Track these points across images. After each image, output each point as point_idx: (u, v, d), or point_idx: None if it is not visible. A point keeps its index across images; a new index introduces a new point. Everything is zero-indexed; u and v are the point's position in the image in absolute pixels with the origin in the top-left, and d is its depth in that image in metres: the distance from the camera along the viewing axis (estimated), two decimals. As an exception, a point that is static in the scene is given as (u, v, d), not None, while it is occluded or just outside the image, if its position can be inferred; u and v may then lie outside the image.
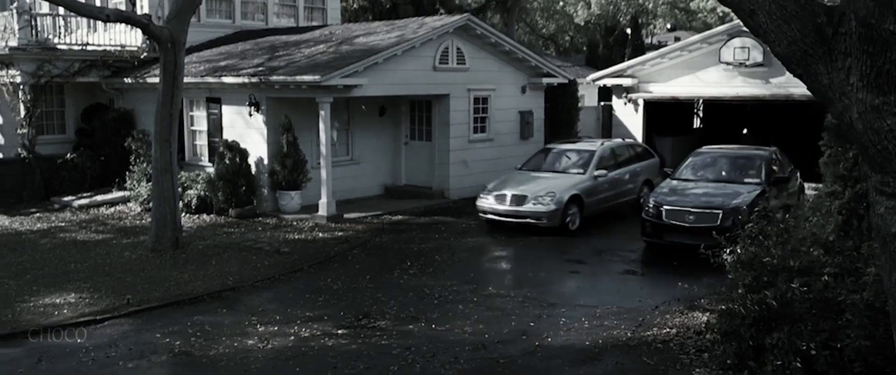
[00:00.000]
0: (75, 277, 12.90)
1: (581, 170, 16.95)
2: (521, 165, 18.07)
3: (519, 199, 16.04)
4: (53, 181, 19.93)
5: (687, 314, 10.45)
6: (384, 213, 17.94)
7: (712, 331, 8.89)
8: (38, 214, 18.30)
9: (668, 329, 9.92)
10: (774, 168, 15.30)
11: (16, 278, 12.92)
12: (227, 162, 17.60)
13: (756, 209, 12.39)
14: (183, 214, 17.24)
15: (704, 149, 16.69)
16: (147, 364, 9.34)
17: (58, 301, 11.64)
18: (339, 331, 10.29)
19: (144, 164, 18.58)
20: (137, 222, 17.35)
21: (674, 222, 13.85)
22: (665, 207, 14.07)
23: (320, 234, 15.84)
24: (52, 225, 17.15)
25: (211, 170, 18.22)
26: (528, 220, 15.87)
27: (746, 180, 14.90)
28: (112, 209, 18.74)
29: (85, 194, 19.70)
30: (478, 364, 9.10)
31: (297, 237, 15.64)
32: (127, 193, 19.28)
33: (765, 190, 14.39)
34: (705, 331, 9.23)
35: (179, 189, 17.06)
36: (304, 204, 17.93)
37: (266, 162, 17.91)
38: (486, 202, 16.53)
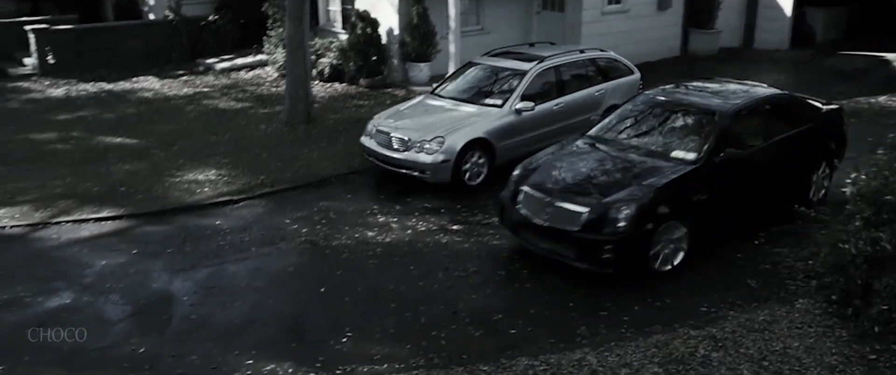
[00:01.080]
0: (216, 151, 13.85)
1: (499, 102, 12.65)
2: (436, 87, 13.91)
3: (403, 143, 12.03)
4: (197, 43, 20.94)
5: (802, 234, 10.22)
6: (511, 88, 17.96)
7: (823, 263, 8.78)
8: (184, 77, 19.42)
9: (779, 248, 9.84)
10: (734, 136, 9.86)
11: (165, 149, 14.02)
12: (359, 31, 17.95)
13: (662, 208, 8.93)
14: (316, 82, 17.96)
15: (655, 91, 11.32)
16: (276, 251, 10.17)
17: (200, 177, 12.63)
18: (454, 227, 10.79)
19: (280, 29, 19.14)
20: (273, 89, 18.15)
21: (528, 215, 9.43)
22: (525, 188, 9.61)
23: (446, 111, 16.14)
24: (197, 90, 18.21)
25: (344, 37, 18.63)
26: (413, 173, 12.02)
27: (677, 152, 9.66)
28: (251, 73, 19.63)
29: (226, 57, 20.67)
30: (587, 275, 9.31)
31: (422, 113, 16.01)
32: (265, 57, 20.06)
33: (694, 172, 9.32)
34: (815, 262, 9.11)
35: (313, 57, 17.75)
36: (432, 75, 18.20)
37: (396, 32, 18.14)
38: (369, 142, 12.65)
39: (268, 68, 19.79)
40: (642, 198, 8.92)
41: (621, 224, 8.80)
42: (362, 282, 9.30)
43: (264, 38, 19.83)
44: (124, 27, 20.96)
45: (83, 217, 11.18)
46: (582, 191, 9.27)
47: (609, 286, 9.03)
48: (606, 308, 8.59)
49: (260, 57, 20.32)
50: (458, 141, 11.85)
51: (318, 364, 7.67)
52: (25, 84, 18.72)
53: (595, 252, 8.91)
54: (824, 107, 11.61)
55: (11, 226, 10.96)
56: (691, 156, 9.56)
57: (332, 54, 18.54)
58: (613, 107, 11.89)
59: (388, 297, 8.95)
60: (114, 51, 20.23)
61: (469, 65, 14.04)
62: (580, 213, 8.97)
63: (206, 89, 18.28)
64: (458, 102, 12.99)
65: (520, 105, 12.50)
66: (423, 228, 10.77)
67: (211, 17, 21.02)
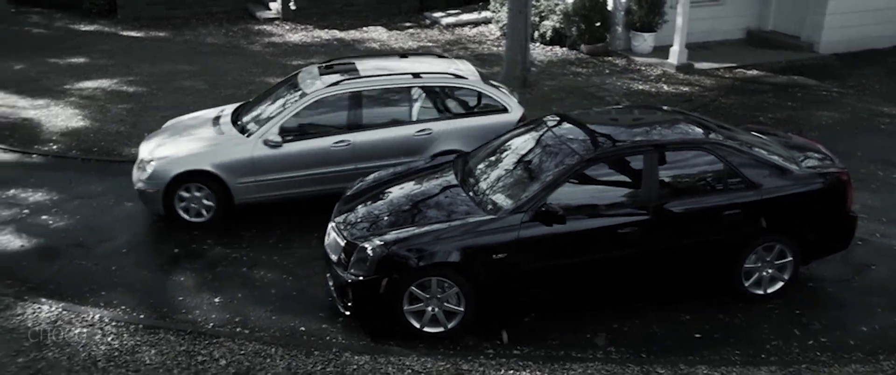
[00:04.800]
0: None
1: (256, 127, 10.18)
2: (278, 82, 11.63)
3: (142, 163, 10.26)
4: (427, -5, 21.61)
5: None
6: (738, 66, 17.07)
7: None
8: (410, 30, 20.07)
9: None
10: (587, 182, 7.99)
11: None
12: (586, -3, 17.71)
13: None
14: (537, 44, 17.99)
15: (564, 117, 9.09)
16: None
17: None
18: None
19: (507, -12, 19.26)
20: (494, 48, 18.34)
21: (329, 248, 8.30)
22: (336, 221, 8.41)
23: (664, 87, 15.64)
24: (420, 44, 18.77)
25: (570, 0, 18.42)
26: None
27: (498, 197, 8.02)
28: (474, 30, 19.92)
29: (453, 11, 21.12)
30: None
31: (640, 87, 15.61)
32: (490, 14, 20.27)
33: (494, 223, 7.68)
34: None
35: (536, 19, 17.77)
36: (656, 45, 17.65)
37: (624, 0, 17.68)
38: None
39: (491, 26, 20.01)
40: (393, 244, 7.57)
41: (364, 276, 7.58)
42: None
43: (491, -6, 20.06)
44: (360, -25, 21.95)
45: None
46: (376, 220, 8.12)
47: (809, 301, 8.49)
48: (803, 325, 8.08)
49: (485, 14, 20.57)
50: (170, 168, 9.87)
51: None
52: (269, 27, 20.20)
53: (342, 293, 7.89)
54: (801, 169, 8.34)
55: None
56: (508, 204, 7.81)
57: (555, 17, 18.39)
58: (449, 153, 9.69)
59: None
60: (348, -1, 21.32)
61: (296, 73, 11.32)
62: (339, 245, 8.00)
63: (429, 43, 18.81)
64: (253, 115, 10.57)
65: (272, 138, 9.98)
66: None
67: (443, -30, 21.52)
